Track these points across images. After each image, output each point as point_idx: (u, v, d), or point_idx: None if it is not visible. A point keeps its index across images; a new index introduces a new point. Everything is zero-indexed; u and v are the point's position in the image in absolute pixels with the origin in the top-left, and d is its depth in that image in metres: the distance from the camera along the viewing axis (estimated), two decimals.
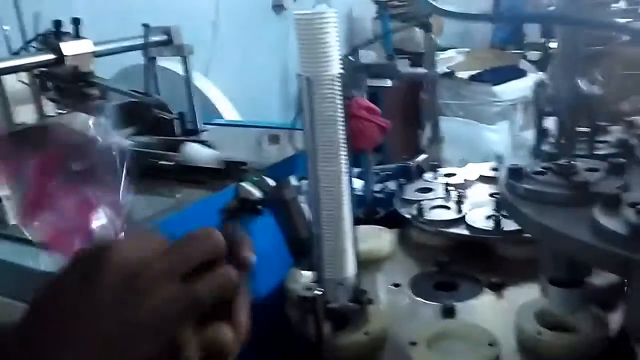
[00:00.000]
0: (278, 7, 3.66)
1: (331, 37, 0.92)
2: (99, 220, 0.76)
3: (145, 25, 1.40)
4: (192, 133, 1.68)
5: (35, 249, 1.02)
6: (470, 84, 3.47)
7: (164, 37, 1.63)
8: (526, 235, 1.10)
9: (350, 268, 1.03)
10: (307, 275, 1.16)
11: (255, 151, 1.58)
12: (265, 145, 1.60)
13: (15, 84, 1.51)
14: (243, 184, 1.24)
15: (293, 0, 3.78)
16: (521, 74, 3.57)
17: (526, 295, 1.04)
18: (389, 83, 3.52)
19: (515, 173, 0.90)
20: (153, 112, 1.46)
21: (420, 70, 1.30)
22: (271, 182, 1.24)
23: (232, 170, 1.27)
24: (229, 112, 2.24)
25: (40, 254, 1.02)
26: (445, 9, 0.85)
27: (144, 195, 1.30)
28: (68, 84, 1.41)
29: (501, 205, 1.18)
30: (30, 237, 1.05)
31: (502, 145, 3.07)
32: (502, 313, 1.04)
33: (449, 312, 1.05)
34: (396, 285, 1.19)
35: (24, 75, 1.51)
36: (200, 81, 2.12)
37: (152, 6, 2.97)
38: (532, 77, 3.52)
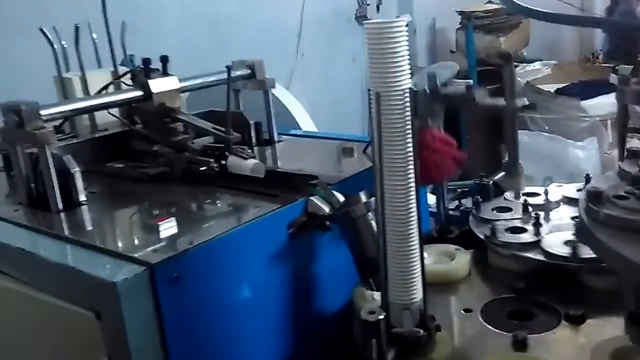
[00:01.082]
0: (361, 18, 3.68)
1: (402, 47, 0.90)
2: None
3: (228, 68, 1.45)
4: (267, 143, 1.71)
5: (108, 257, 1.04)
6: (557, 98, 3.33)
7: (247, 72, 1.67)
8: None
9: (418, 291, 0.99)
10: (376, 294, 1.14)
11: (328, 164, 1.57)
12: (339, 158, 1.58)
13: (105, 116, 1.59)
14: (312, 198, 1.23)
15: (377, 10, 3.79)
16: (613, 88, 3.38)
17: (608, 331, 0.97)
18: None
19: (595, 196, 0.83)
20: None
21: (500, 101, 1.23)
22: (341, 198, 1.23)
23: (301, 184, 1.27)
24: (307, 124, 2.26)
25: (110, 264, 1.01)
26: (530, 7, 0.79)
27: (217, 204, 1.32)
28: (154, 119, 1.44)
29: (578, 229, 1.10)
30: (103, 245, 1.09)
31: (590, 163, 2.90)
32: (579, 350, 0.97)
33: (520, 344, 0.99)
34: (467, 310, 1.14)
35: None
36: (280, 92, 2.15)
37: (240, 16, 3.05)
38: None
